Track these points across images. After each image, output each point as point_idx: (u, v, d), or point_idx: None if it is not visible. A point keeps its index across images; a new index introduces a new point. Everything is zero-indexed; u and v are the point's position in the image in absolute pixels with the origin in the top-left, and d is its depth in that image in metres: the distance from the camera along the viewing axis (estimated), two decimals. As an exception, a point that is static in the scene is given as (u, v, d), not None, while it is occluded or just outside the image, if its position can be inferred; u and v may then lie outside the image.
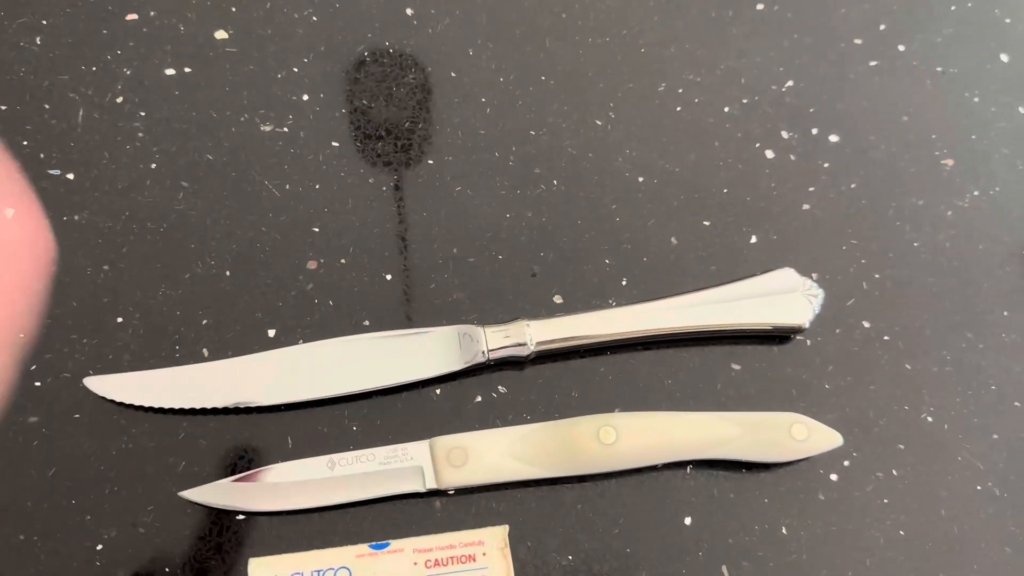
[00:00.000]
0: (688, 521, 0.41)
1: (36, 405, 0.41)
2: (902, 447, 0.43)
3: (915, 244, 0.48)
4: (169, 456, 0.40)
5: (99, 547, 0.39)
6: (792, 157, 0.50)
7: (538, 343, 0.42)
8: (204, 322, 0.43)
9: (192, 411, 0.41)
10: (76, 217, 0.45)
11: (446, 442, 0.40)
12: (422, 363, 0.42)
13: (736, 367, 0.45)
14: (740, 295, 0.44)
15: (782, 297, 0.44)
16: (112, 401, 0.41)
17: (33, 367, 0.42)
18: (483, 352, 0.42)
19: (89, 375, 0.41)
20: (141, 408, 0.41)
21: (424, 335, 0.43)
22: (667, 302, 0.44)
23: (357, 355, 0.42)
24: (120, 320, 0.43)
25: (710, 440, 0.41)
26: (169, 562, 0.39)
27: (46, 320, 0.42)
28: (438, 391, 0.43)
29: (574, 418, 0.41)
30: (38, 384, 0.41)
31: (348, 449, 0.41)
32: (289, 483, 0.40)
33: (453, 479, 0.40)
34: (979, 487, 0.43)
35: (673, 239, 0.47)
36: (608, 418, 0.40)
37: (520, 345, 0.42)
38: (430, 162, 0.47)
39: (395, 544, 0.40)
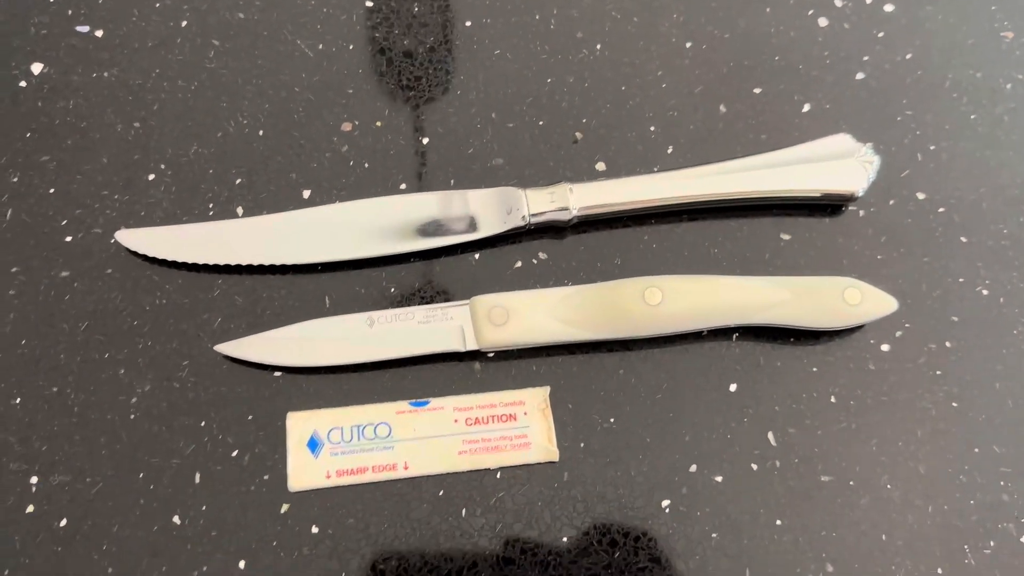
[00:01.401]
0: (733, 388, 0.40)
1: (67, 260, 0.40)
2: (956, 319, 0.42)
3: (972, 117, 0.46)
4: (204, 312, 0.40)
5: (133, 400, 0.38)
6: (846, 26, 0.48)
7: (581, 207, 0.41)
8: (238, 181, 0.42)
9: (227, 268, 0.40)
10: (106, 74, 0.43)
11: (487, 301, 0.39)
12: (461, 226, 0.41)
13: (785, 237, 0.43)
14: (792, 160, 0.42)
15: (836, 163, 0.42)
16: (144, 256, 0.40)
17: (64, 222, 0.41)
18: (524, 216, 0.41)
19: (120, 230, 0.40)
20: (174, 264, 0.40)
21: (464, 197, 0.41)
22: (715, 167, 0.42)
23: (395, 216, 0.41)
24: (151, 177, 0.42)
25: (760, 304, 0.39)
26: (205, 416, 0.38)
27: (76, 176, 0.41)
28: (476, 256, 0.42)
29: (619, 280, 0.39)
30: (69, 239, 0.40)
31: (386, 311, 0.40)
32: (327, 339, 0.39)
33: (494, 339, 0.39)
34: (1036, 361, 0.41)
35: (722, 107, 0.45)
36: (654, 280, 0.39)
37: (562, 209, 0.41)
38: (467, 24, 0.46)
39: (435, 402, 0.39)
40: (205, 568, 0.36)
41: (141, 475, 0.37)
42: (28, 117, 0.42)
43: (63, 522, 0.37)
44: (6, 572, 0.36)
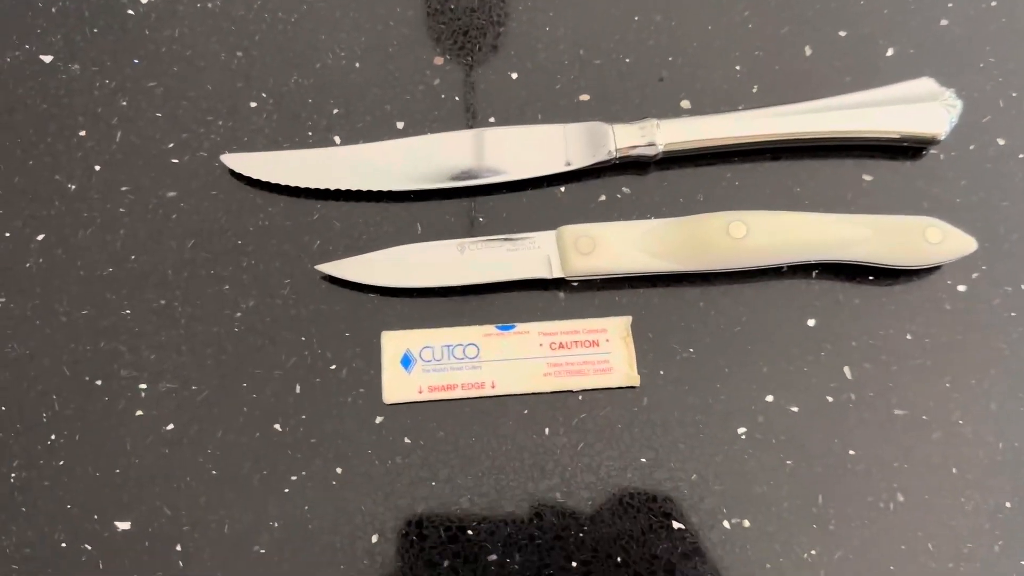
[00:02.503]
0: (811, 323, 0.41)
1: (174, 181, 0.42)
2: (1034, 263, 0.43)
3: (1058, 64, 0.46)
4: (304, 235, 0.41)
5: (238, 315, 0.40)
6: (933, -29, 0.48)
7: (667, 143, 0.42)
8: (335, 111, 0.43)
9: (326, 193, 0.42)
10: (209, 5, 0.45)
11: (574, 230, 0.40)
12: (549, 158, 0.42)
13: (867, 177, 0.44)
14: (876, 101, 0.43)
15: (919, 106, 0.43)
16: (248, 179, 0.42)
17: (171, 145, 0.42)
18: (611, 150, 0.42)
19: (225, 154, 0.42)
20: (276, 187, 0.42)
21: (552, 130, 0.43)
22: (798, 106, 0.43)
23: (485, 147, 0.42)
24: (254, 105, 0.43)
25: (842, 240, 0.40)
26: (305, 331, 0.40)
27: (182, 102, 0.43)
28: (562, 189, 0.43)
29: (703, 214, 0.41)
30: (175, 161, 0.42)
31: (475, 238, 0.41)
32: (420, 262, 0.40)
33: (579, 267, 0.40)
34: (1112, 307, 0.42)
35: (807, 48, 0.46)
36: (739, 214, 0.40)
37: (649, 144, 0.42)
38: (558, -38, 0.46)
39: (521, 327, 0.40)
40: (304, 473, 0.38)
41: (244, 385, 0.39)
42: (136, 44, 0.44)
43: (170, 426, 0.39)
44: (117, 470, 0.38)
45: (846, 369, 0.41)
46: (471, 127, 0.43)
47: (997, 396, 0.40)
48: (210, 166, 0.42)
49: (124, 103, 0.43)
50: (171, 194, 0.42)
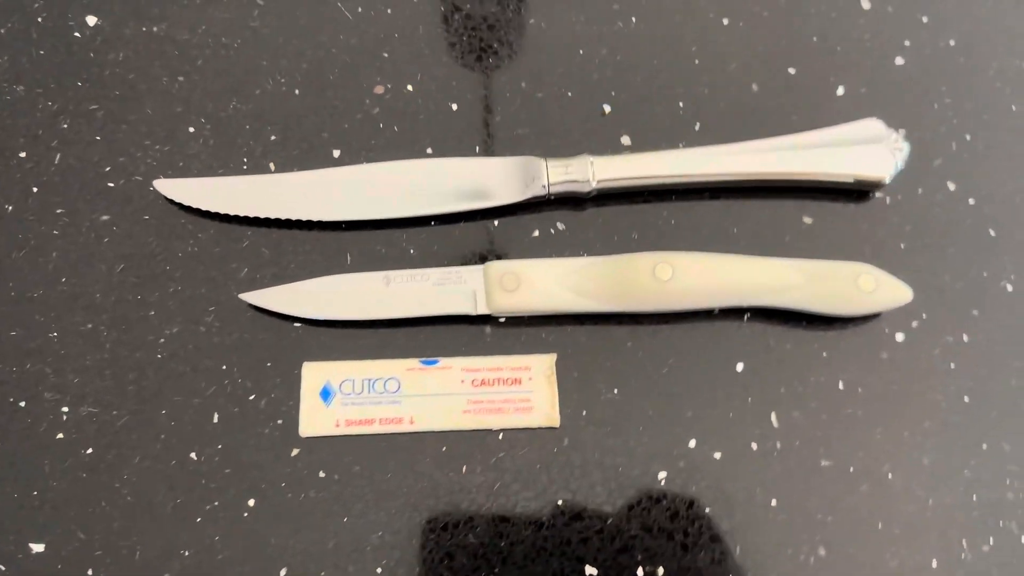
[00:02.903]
0: (740, 367, 0.40)
1: (109, 204, 0.42)
2: (976, 313, 0.41)
3: (1013, 108, 0.45)
4: (232, 262, 0.41)
5: (161, 340, 0.40)
6: (889, 9, 0.47)
7: (600, 180, 0.41)
8: (272, 138, 0.43)
9: (256, 221, 0.42)
10: (155, 29, 0.45)
11: (499, 267, 0.40)
12: (482, 192, 0.42)
13: (808, 220, 0.43)
14: (820, 143, 0.42)
15: (865, 148, 0.42)
16: (180, 205, 0.42)
17: (107, 169, 0.43)
18: (543, 185, 0.41)
19: (159, 179, 0.42)
20: (207, 214, 0.42)
21: (485, 163, 0.42)
22: (740, 146, 0.42)
23: (419, 179, 0.42)
24: (191, 130, 0.43)
25: (772, 286, 0.39)
26: (226, 360, 0.40)
27: (121, 126, 0.43)
28: (496, 223, 0.43)
29: (631, 253, 0.40)
30: (111, 185, 0.43)
31: (404, 270, 0.41)
32: (345, 294, 0.40)
33: (504, 304, 0.40)
34: (1057, 361, 0.41)
35: (754, 85, 0.45)
36: (666, 255, 0.39)
37: (582, 181, 0.41)
38: (504, -8, 0.46)
39: (444, 361, 0.40)
40: (217, 503, 0.38)
41: (164, 412, 0.39)
42: (80, 67, 0.44)
43: (89, 450, 0.39)
44: (35, 493, 0.38)
45: (773, 416, 0.40)
46: (408, 157, 0.43)
47: (930, 450, 0.39)
48: (144, 190, 0.42)
49: (65, 125, 0.43)
50: (104, 218, 0.42)
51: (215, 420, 0.39)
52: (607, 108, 0.44)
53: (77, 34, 0.45)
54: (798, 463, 0.39)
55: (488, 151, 0.44)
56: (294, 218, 0.41)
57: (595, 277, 0.40)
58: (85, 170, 0.43)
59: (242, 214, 0.41)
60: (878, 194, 0.43)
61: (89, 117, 0.44)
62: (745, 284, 0.39)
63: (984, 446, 0.40)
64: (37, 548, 0.38)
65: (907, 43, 0.46)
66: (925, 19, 0.46)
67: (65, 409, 0.40)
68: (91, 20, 0.45)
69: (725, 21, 0.46)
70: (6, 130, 0.43)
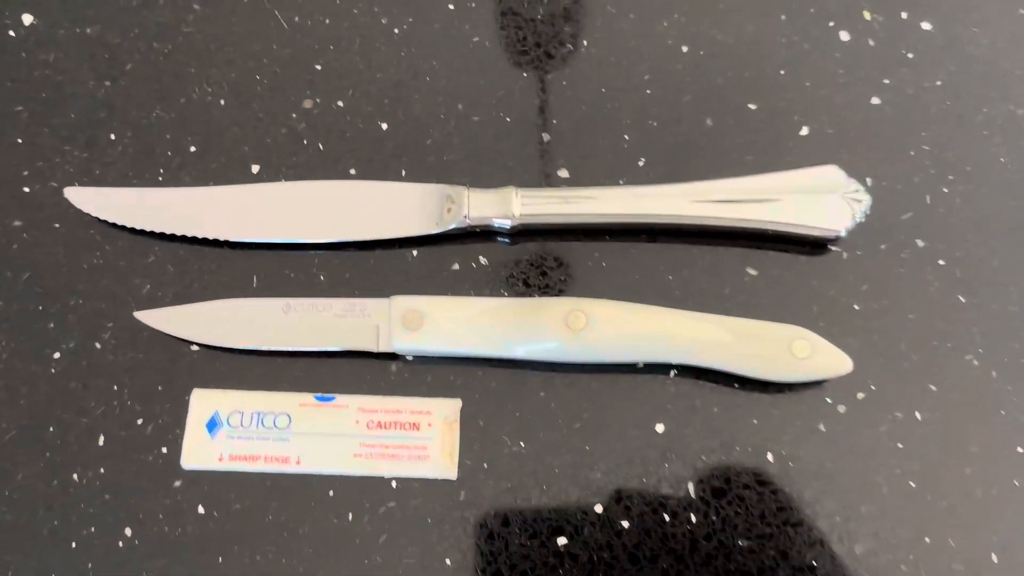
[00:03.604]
0: (660, 428, 0.37)
1: (22, 210, 0.41)
2: (934, 388, 0.37)
3: (1001, 159, 0.40)
4: (136, 277, 0.40)
5: (56, 355, 0.39)
6: (871, 42, 0.42)
7: (524, 215, 0.38)
8: (192, 149, 0.42)
9: (164, 236, 0.40)
10: (88, 30, 0.44)
11: (404, 303, 0.37)
12: (399, 219, 0.39)
13: (752, 272, 0.39)
14: (770, 189, 0.38)
15: (820, 197, 0.38)
16: (90, 215, 0.40)
17: (25, 172, 0.42)
18: (465, 216, 0.39)
19: (73, 187, 0.41)
20: (116, 226, 0.40)
21: (405, 190, 0.40)
22: (682, 187, 0.39)
23: (335, 201, 0.40)
24: (112, 137, 0.42)
25: (697, 343, 0.36)
26: (118, 379, 0.38)
27: (44, 129, 0.42)
28: (415, 252, 0.40)
29: (544, 297, 0.37)
30: (27, 190, 0.41)
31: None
32: (242, 319, 0.38)
33: (406, 343, 0.37)
34: (1021, 449, 0.36)
35: (708, 120, 0.41)
36: (581, 302, 0.36)
37: (503, 216, 0.38)
38: (451, 7, 0.43)
39: (341, 399, 0.38)
40: (93, 529, 0.37)
41: (51, 429, 0.38)
42: (11, 67, 0.43)
43: (-27, 463, 0.38)
44: (-89, 505, 0.37)
45: (690, 486, 0.36)
46: (330, 177, 0.41)
47: (864, 538, 0.35)
48: (58, 197, 0.41)
49: (-12, 125, 0.42)
50: (16, 223, 0.41)
51: (100, 442, 0.38)
52: (546, 137, 0.41)
53: (12, 32, 0.44)
54: (712, 542, 0.36)
55: (415, 176, 0.41)
56: (201, 236, 0.40)
57: (504, 321, 0.37)
58: (3, 172, 0.42)
59: (150, 229, 0.40)
60: (833, 248, 0.39)
61: (14, 118, 0.42)
62: (668, 339, 0.36)
63: (927, 539, 0.35)
64: (-96, 562, 0.37)
65: (886, 81, 0.41)
66: (911, 55, 0.42)
67: (-48, 419, 0.38)
68: (27, 19, 0.44)
69: (684, 49, 0.42)
70: (-69, 127, 0.43)
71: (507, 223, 0.38)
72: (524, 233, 0.40)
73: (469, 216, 0.38)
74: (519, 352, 0.37)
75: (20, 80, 0.43)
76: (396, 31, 0.43)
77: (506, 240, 0.40)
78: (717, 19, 0.43)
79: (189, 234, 0.40)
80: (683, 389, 0.37)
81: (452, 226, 0.39)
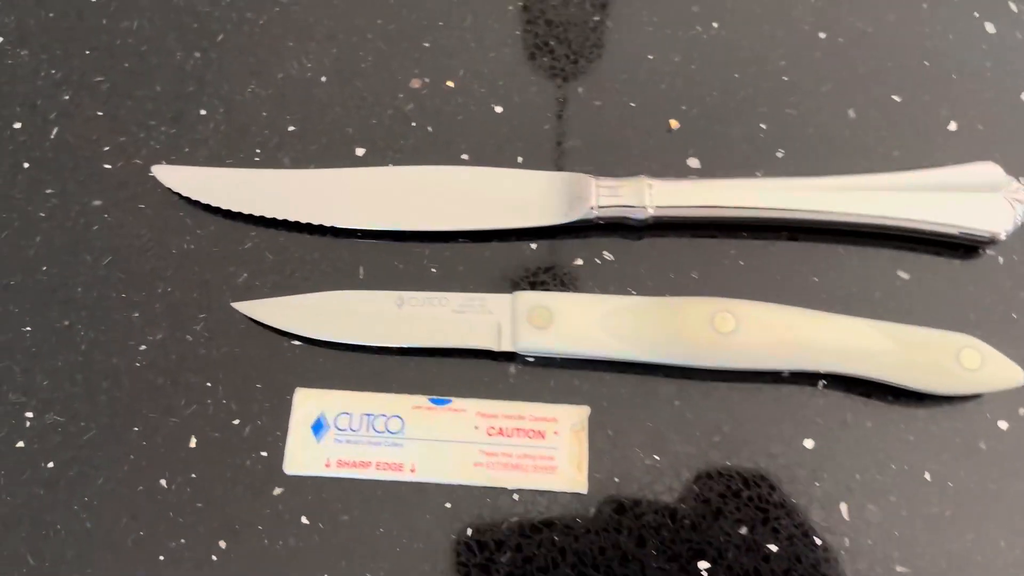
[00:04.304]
0: (809, 444, 0.34)
1: (103, 188, 0.38)
2: (1103, 406, 0.34)
3: None
4: (231, 265, 0.37)
5: (142, 347, 0.36)
6: (1019, 35, 0.40)
7: (658, 207, 0.35)
8: (291, 128, 0.38)
9: (262, 220, 0.37)
10: (175, -3, 0.41)
11: (530, 299, 0.34)
12: (519, 209, 0.36)
13: (903, 275, 0.36)
14: (925, 186, 0.35)
15: (977, 197, 0.35)
16: (179, 195, 0.37)
17: (106, 148, 0.38)
18: (592, 208, 0.35)
19: (159, 165, 0.37)
20: (209, 208, 0.37)
21: (527, 177, 0.37)
22: (829, 181, 0.36)
23: (449, 189, 0.37)
24: (203, 112, 0.39)
25: (856, 351, 0.33)
26: (212, 376, 0.35)
27: (127, 102, 0.39)
28: (534, 245, 0.37)
29: (687, 297, 0.34)
30: (107, 166, 0.38)
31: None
32: (352, 313, 0.35)
33: (532, 342, 0.34)
34: None
35: (851, 111, 0.38)
36: (729, 303, 0.33)
37: (635, 207, 0.35)
38: (569, -15, 0.40)
39: (458, 403, 0.35)
40: (183, 541, 0.33)
41: (136, 429, 0.35)
42: (90, 34, 0.40)
43: (50, 464, 0.34)
44: (-11, 506, 0.34)
45: (843, 507, 0.33)
46: (440, 163, 0.38)
47: (1032, 566, 0.32)
48: (143, 176, 0.38)
49: (67, 97, 0.39)
50: (96, 203, 0.37)
51: (192, 444, 0.34)
52: (674, 124, 0.38)
53: (91, -2, 0.41)
54: (868, 566, 0.33)
55: (532, 163, 0.38)
56: (304, 221, 0.36)
57: (642, 321, 0.34)
58: (82, 148, 0.38)
59: (247, 212, 0.36)
60: (989, 251, 0.36)
61: (93, 90, 0.39)
62: (824, 346, 0.33)
63: (1101, 569, 0.32)
64: (-22, 570, 0.33)
65: (1038, 76, 0.39)
66: (1062, 49, 0.39)
67: (29, 415, 0.35)
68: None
69: (822, 35, 0.39)
70: (3, 97, 0.39)
71: (639, 215, 0.35)
72: (653, 227, 0.36)
73: (598, 207, 0.35)
74: (656, 356, 0.34)
75: (100, 49, 0.40)
76: (510, 7, 0.40)
77: (633, 234, 0.37)
78: (855, 5, 0.40)
79: (291, 219, 0.36)
80: (833, 401, 0.34)
81: (577, 218, 0.36)
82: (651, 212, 0.35)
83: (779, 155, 0.38)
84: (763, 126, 0.38)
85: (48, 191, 0.38)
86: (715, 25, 0.40)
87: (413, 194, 0.37)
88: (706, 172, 0.38)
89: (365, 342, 0.35)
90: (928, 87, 0.39)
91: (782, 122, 0.38)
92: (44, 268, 0.37)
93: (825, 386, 0.35)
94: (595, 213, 0.36)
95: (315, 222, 0.36)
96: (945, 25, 0.40)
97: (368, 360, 0.35)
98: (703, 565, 0.33)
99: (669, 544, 0.33)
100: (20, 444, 0.35)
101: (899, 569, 0.33)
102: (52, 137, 0.39)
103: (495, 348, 0.34)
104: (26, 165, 0.38)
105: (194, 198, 0.37)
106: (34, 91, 0.39)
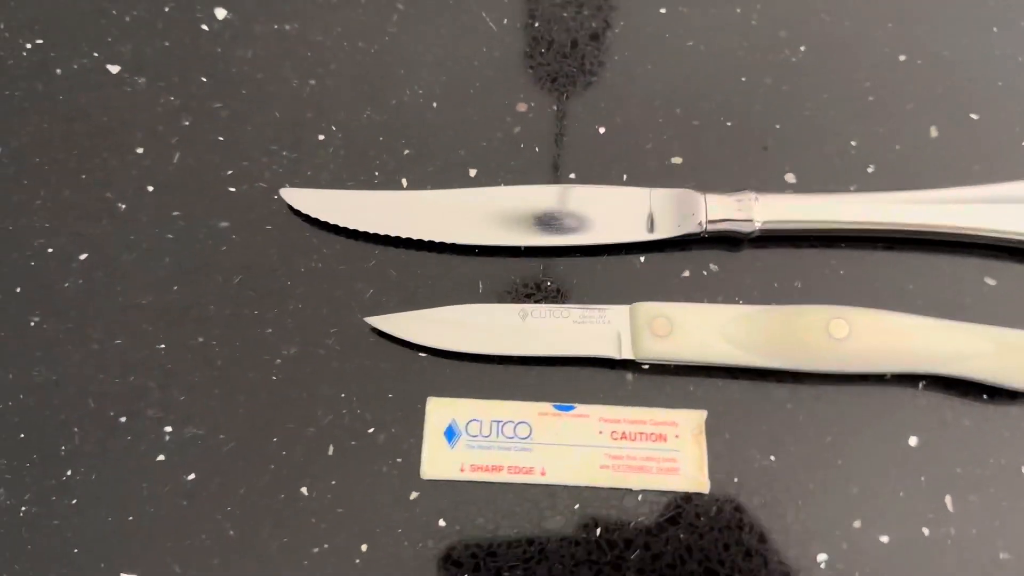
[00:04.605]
0: (913, 442, 0.36)
1: (228, 211, 0.39)
2: None
3: None
4: (357, 282, 0.38)
5: (277, 361, 0.37)
6: (1086, 55, 0.42)
7: (766, 221, 0.37)
8: (406, 152, 0.40)
9: (385, 239, 0.39)
10: (287, 27, 0.42)
11: (650, 309, 0.36)
12: (631, 224, 0.38)
13: (990, 282, 0.38)
14: (1007, 198, 0.38)
15: (1061, 207, 0.38)
16: (304, 217, 0.39)
17: (229, 172, 0.40)
18: (701, 222, 0.38)
19: (285, 188, 0.39)
20: (332, 228, 0.39)
21: (638, 192, 0.39)
22: (921, 194, 0.38)
23: (562, 205, 0.39)
24: (321, 138, 0.41)
25: (957, 353, 0.35)
26: (346, 387, 0.37)
27: (246, 127, 0.41)
28: (642, 259, 0.39)
29: (801, 305, 0.36)
30: (232, 190, 0.40)
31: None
32: (478, 325, 0.37)
33: (653, 350, 0.36)
34: None
35: (932, 129, 0.41)
36: (842, 310, 0.35)
37: (745, 220, 0.37)
38: (662, 11, 0.43)
39: (581, 409, 0.36)
40: (327, 546, 0.35)
41: (275, 440, 0.36)
42: (206, 62, 0.42)
43: (191, 476, 0.36)
44: (131, 518, 0.35)
45: (948, 499, 0.35)
46: (550, 182, 0.40)
47: None
48: (267, 199, 0.39)
49: (187, 123, 0.41)
50: (223, 224, 0.39)
51: (329, 453, 0.36)
52: (769, 142, 0.40)
53: (204, 27, 0.42)
54: (973, 554, 0.35)
55: (636, 180, 0.40)
56: (425, 239, 0.38)
57: (758, 328, 0.36)
58: (205, 172, 0.40)
59: (372, 231, 0.38)
60: (1073, 258, 0.39)
61: (212, 116, 0.41)
62: (929, 349, 0.35)
63: None
64: (128, 579, 0.35)
65: (1104, 94, 0.41)
66: (1125, 68, 0.42)
67: (168, 429, 0.36)
68: (220, 13, 0.43)
69: (902, 58, 0.42)
70: (125, 123, 0.41)
71: (746, 229, 0.38)
72: (753, 240, 0.39)
73: (707, 221, 0.38)
74: (774, 362, 0.36)
75: (216, 76, 0.42)
76: (608, 35, 0.42)
77: (734, 246, 0.39)
78: (931, 30, 0.42)
79: (414, 237, 0.38)
80: (933, 401, 0.37)
81: (687, 232, 0.38)
82: (758, 225, 0.37)
83: (870, 170, 0.40)
84: (853, 143, 0.40)
85: (175, 213, 0.39)
86: (802, 49, 0.42)
87: (528, 212, 0.39)
88: (802, 187, 0.40)
89: (492, 352, 0.37)
90: (1003, 106, 0.41)
91: (871, 139, 0.40)
92: (175, 288, 0.38)
93: (924, 387, 0.37)
94: (705, 227, 0.38)
95: (436, 239, 0.38)
96: (1015, 47, 0.42)
97: (491, 370, 0.37)
98: (821, 557, 0.35)
99: (793, 539, 0.35)
100: (160, 457, 0.36)
101: (1003, 556, 0.35)
102: (175, 162, 0.40)
103: (616, 356, 0.36)
104: (150, 188, 0.40)
105: (321, 219, 0.38)
106: (154, 117, 0.41)
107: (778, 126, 0.41)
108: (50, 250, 0.39)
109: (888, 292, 0.38)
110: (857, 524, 0.35)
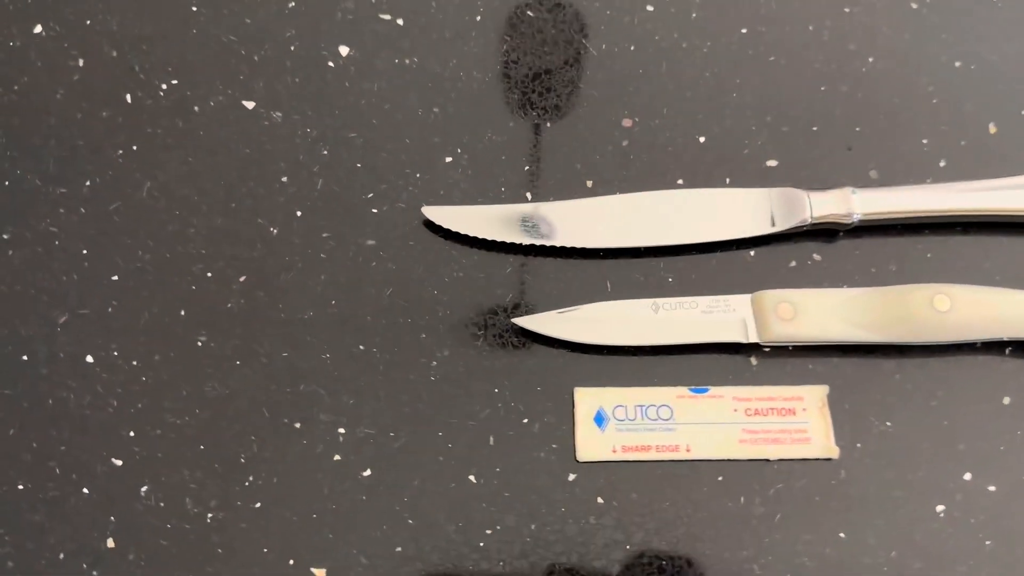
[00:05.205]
0: (1007, 401, 0.41)
1: (374, 230, 0.43)
2: None
3: None
4: (497, 288, 0.42)
5: (433, 363, 0.41)
6: (1119, 53, 0.48)
7: (864, 213, 0.42)
8: (526, 168, 0.44)
9: (519, 248, 0.42)
10: (407, 61, 0.46)
11: (774, 295, 0.40)
12: (742, 222, 0.43)
13: (1058, 256, 0.43)
14: (1072, 182, 0.43)
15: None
16: (443, 231, 0.42)
17: (370, 195, 0.43)
18: (806, 217, 0.42)
19: (425, 206, 0.43)
20: (467, 240, 0.42)
21: (745, 194, 0.43)
22: (991, 182, 0.43)
23: (678, 209, 0.43)
24: (449, 159, 0.44)
25: (1047, 320, 0.40)
26: (498, 383, 0.40)
27: (381, 154, 0.44)
28: (752, 253, 0.43)
29: (907, 284, 0.40)
30: (375, 211, 0.43)
31: (664, 299, 0.42)
32: (614, 320, 0.41)
33: (778, 333, 0.40)
34: None
35: (991, 126, 0.46)
36: (942, 287, 0.40)
37: (845, 215, 0.42)
38: (743, 31, 0.47)
39: (714, 390, 0.40)
40: (499, 527, 0.38)
41: (440, 434, 0.40)
42: (336, 96, 0.45)
43: (367, 472, 0.39)
44: (314, 516, 0.38)
45: (1045, 451, 0.40)
46: (659, 188, 0.44)
47: None
48: (408, 217, 0.43)
49: (325, 152, 0.44)
50: (370, 242, 0.43)
51: (491, 443, 0.40)
52: (851, 143, 0.45)
53: (331, 63, 0.46)
54: (1072, 497, 0.39)
55: (738, 183, 0.44)
56: (557, 245, 0.42)
57: (870, 308, 0.40)
58: (347, 195, 0.44)
59: (507, 241, 0.42)
60: None
61: (348, 144, 0.44)
62: (1018, 317, 0.40)
63: None
64: (320, 573, 0.38)
65: None
66: None
67: (342, 431, 0.40)
68: (343, 50, 0.46)
69: (957, 64, 0.47)
70: (266, 154, 0.44)
71: (847, 221, 0.42)
72: (848, 231, 0.43)
73: (812, 216, 0.42)
74: (885, 337, 0.40)
75: (347, 108, 0.45)
76: (700, 53, 0.47)
77: (832, 237, 0.43)
78: (981, 38, 0.47)
79: (548, 244, 0.42)
80: (1019, 364, 0.41)
81: (792, 226, 0.42)
82: (857, 217, 0.42)
83: (941, 164, 0.45)
84: (924, 141, 0.45)
85: (324, 235, 0.43)
86: (871, 60, 0.47)
87: (646, 215, 0.43)
88: (885, 181, 0.44)
89: (630, 343, 0.41)
90: (1053, 104, 0.46)
91: (939, 137, 0.45)
92: (333, 302, 0.42)
93: (1011, 352, 0.41)
94: (809, 222, 0.42)
95: (566, 245, 0.42)
96: (1058, 52, 0.48)
97: (628, 360, 0.41)
98: (939, 508, 0.39)
99: (913, 494, 0.39)
100: (337, 457, 0.39)
101: (1097, 497, 0.39)
102: (319, 188, 0.44)
103: (743, 340, 0.40)
104: (299, 213, 0.43)
105: (462, 232, 0.42)
106: (294, 148, 0.44)
107: (858, 129, 0.45)
108: (209, 274, 0.42)
109: (969, 270, 0.43)
110: (967, 476, 0.39)
